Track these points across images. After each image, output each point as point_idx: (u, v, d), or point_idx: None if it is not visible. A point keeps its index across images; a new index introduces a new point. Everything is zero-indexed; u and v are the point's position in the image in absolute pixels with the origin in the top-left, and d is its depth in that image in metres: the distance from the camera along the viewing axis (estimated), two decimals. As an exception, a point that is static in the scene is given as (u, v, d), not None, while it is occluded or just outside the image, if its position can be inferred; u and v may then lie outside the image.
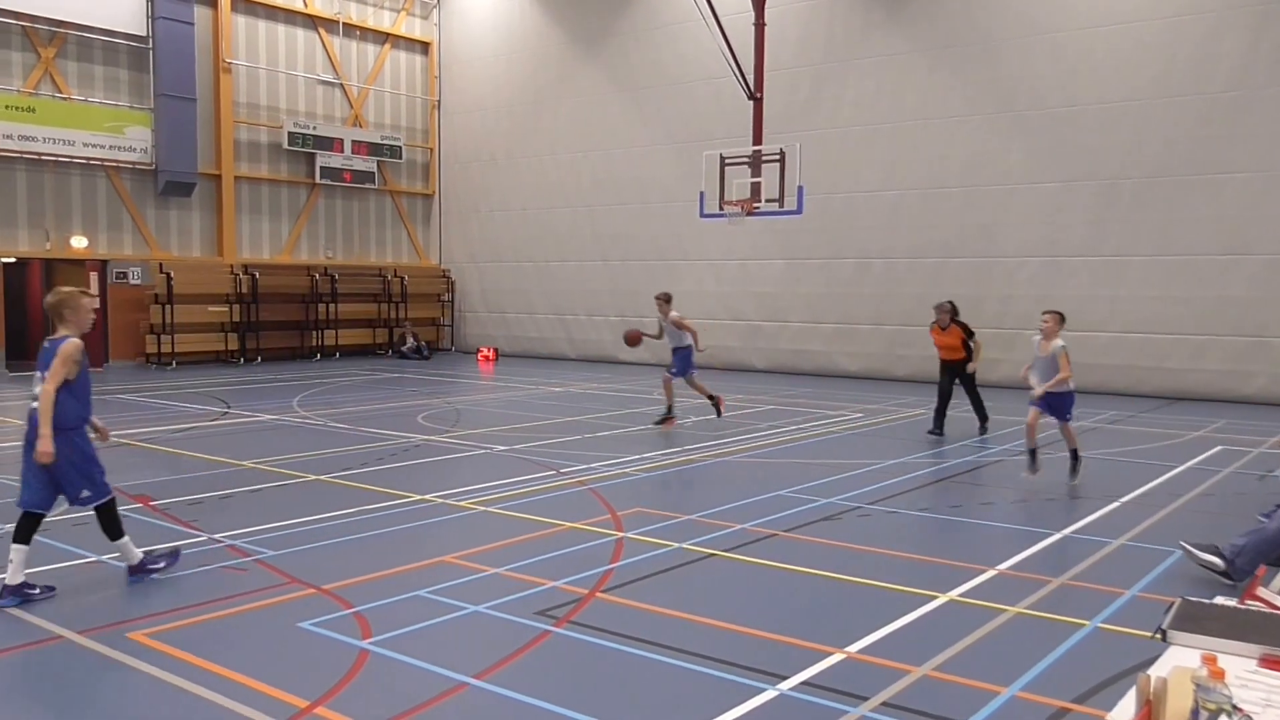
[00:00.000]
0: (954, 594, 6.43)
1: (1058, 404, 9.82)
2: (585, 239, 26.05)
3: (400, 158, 28.33)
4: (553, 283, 26.84)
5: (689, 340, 14.02)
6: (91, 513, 6.48)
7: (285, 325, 25.59)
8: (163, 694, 4.81)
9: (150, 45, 22.95)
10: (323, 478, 10.12)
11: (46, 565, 6.91)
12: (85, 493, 6.27)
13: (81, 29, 22.05)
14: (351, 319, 27.14)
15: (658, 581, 6.71)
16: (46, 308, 6.31)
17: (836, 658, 5.31)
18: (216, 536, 7.71)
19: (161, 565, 6.64)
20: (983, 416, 13.57)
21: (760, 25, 18.31)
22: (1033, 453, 9.92)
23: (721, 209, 17.83)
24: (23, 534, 6.18)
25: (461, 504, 8.98)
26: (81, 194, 22.52)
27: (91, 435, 6.47)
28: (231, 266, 24.69)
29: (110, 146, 22.49)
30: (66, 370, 6.10)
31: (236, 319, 24.64)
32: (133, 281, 23.22)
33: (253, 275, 24.90)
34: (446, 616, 5.94)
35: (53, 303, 6.29)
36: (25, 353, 23.90)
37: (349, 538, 7.79)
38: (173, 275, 23.24)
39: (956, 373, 13.37)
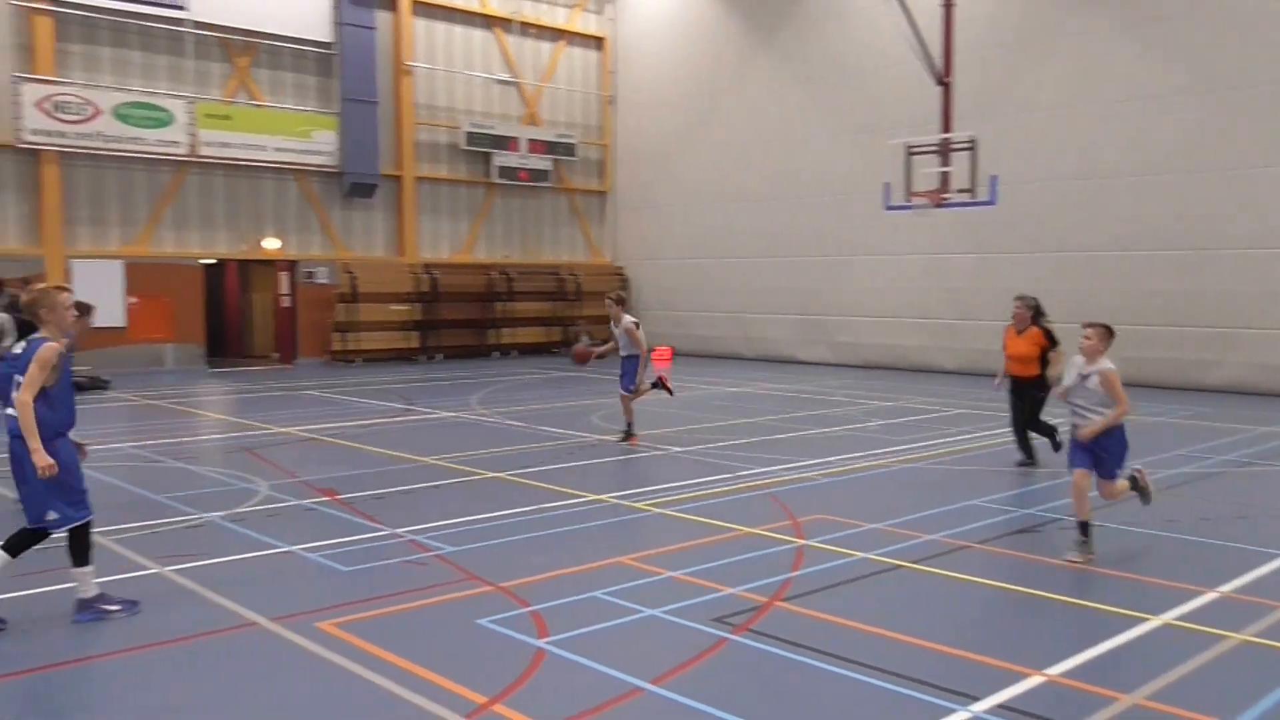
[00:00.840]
0: (1168, 617, 6.05)
1: (1106, 453, 7.49)
2: (763, 234, 25.92)
3: (574, 155, 28.94)
4: (729, 279, 26.83)
5: (638, 351, 12.68)
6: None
7: (463, 324, 26.57)
8: (349, 684, 5.07)
9: (336, 51, 24.28)
10: (500, 475, 10.45)
11: (238, 555, 7.42)
12: (51, 515, 5.84)
13: (273, 38, 23.53)
14: (527, 317, 27.91)
15: (840, 592, 6.60)
16: (22, 307, 5.98)
17: (1035, 680, 5.08)
18: (398, 531, 8.07)
19: (117, 608, 6.06)
20: (1047, 434, 11.04)
21: (949, 4, 17.75)
22: (1084, 526, 7.36)
23: (908, 201, 17.38)
24: (12, 547, 5.95)
25: (637, 505, 9.09)
26: (273, 197, 24.03)
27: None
28: (412, 266, 25.82)
29: (299, 150, 23.91)
30: (44, 377, 5.71)
31: (417, 317, 25.75)
32: (319, 281, 24.61)
33: (432, 274, 25.97)
34: (622, 619, 6.02)
35: (28, 302, 5.92)
36: (224, 349, 25.72)
37: (525, 536, 8.01)
38: (357, 275, 24.50)
39: (1028, 392, 10.90)
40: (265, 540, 7.79)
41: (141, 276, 21.88)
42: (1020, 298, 10.88)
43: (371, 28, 24.74)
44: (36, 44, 20.37)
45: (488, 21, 27.40)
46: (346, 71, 24.33)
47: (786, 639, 5.64)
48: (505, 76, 27.79)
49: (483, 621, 5.93)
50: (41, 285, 6.08)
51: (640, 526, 8.44)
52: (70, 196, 21.06)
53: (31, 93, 20.19)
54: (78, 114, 20.76)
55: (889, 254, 23.13)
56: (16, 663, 5.34)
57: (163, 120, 21.88)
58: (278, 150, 23.58)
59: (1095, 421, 7.37)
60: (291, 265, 24.40)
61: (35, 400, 5.70)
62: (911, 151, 17.48)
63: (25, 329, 18.74)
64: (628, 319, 12.88)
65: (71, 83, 20.80)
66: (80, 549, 5.98)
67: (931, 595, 6.60)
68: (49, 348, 5.74)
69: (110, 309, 21.15)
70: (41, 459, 5.65)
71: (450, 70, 26.73)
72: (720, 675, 5.21)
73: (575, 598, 6.39)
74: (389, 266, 25.48)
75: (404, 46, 25.61)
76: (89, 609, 5.95)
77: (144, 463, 11.26)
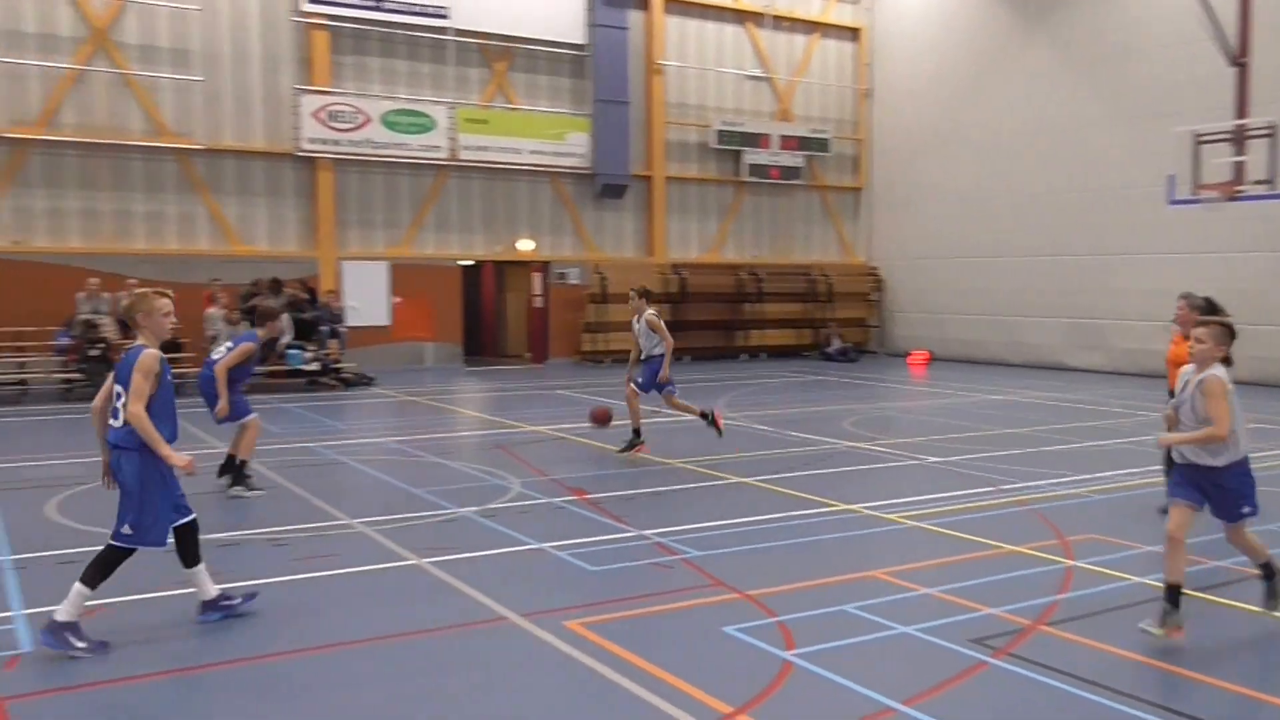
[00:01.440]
0: None
1: (1222, 491, 5.88)
2: (1028, 231, 24.72)
3: (828, 151, 28.66)
4: (992, 280, 25.76)
5: (663, 349, 12.06)
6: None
7: (712, 325, 26.87)
8: (595, 684, 5.25)
9: (588, 52, 25.15)
10: (748, 480, 10.50)
11: (491, 550, 7.82)
12: (125, 529, 5.84)
13: (529, 42, 24.66)
14: (777, 319, 27.88)
15: (1113, 618, 6.21)
16: (120, 312, 6.27)
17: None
18: (645, 533, 8.27)
19: (237, 600, 6.23)
20: None
21: (1254, -29, 16.34)
22: (1174, 592, 5.73)
23: (1195, 194, 16.12)
24: (188, 556, 6.12)
25: (890, 517, 8.90)
26: (527, 199, 25.18)
27: None
28: (661, 266, 26.36)
29: (553, 153, 24.94)
30: (150, 385, 5.73)
31: (665, 318, 26.15)
32: (571, 282, 25.57)
33: (681, 275, 26.42)
34: (873, 635, 5.92)
35: (126, 306, 5.97)
36: (480, 349, 27.16)
37: (773, 543, 8.02)
38: (607, 275, 25.28)
39: None
40: (516, 536, 8.18)
41: (405, 277, 23.48)
42: (1185, 296, 9.29)
43: (624, 28, 25.46)
44: (314, 57, 22.27)
45: (740, 17, 27.58)
46: (599, 72, 25.16)
47: (1050, 665, 5.37)
48: (757, 72, 27.89)
49: (729, 629, 5.98)
50: (141, 290, 6.13)
51: (894, 539, 8.26)
52: (342, 201, 22.89)
53: (309, 103, 22.10)
54: (349, 122, 22.54)
55: (1173, 252, 21.47)
56: (260, 649, 5.87)
57: (426, 126, 23.40)
58: (532, 153, 24.69)
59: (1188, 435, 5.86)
60: (544, 266, 25.48)
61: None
62: (1200, 140, 16.23)
63: (303, 329, 20.40)
64: (649, 311, 12.21)
65: (345, 93, 22.60)
66: (101, 570, 5.82)
67: (1216, 627, 6.10)
68: (149, 355, 5.73)
69: (375, 308, 22.85)
70: (176, 460, 5.69)
71: (701, 68, 27.09)
72: (977, 699, 5.03)
73: (824, 610, 6.33)
74: (638, 267, 26.13)
75: (655, 45, 26.19)
76: (57, 633, 5.61)
77: (404, 457, 12.07)
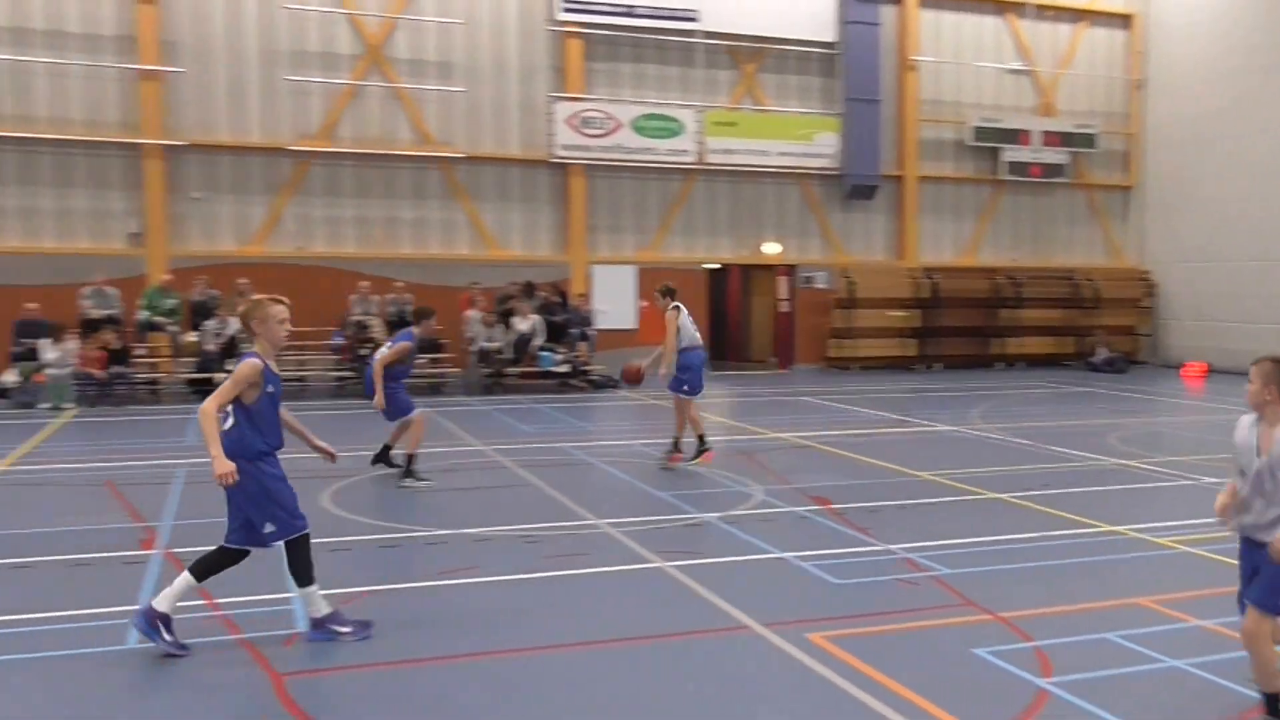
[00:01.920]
0: None
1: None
2: (1335, 229, 22.51)
3: (1094, 146, 27.12)
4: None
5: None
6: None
7: (965, 332, 25.97)
8: (838, 699, 5.21)
9: (839, 50, 24.88)
10: (1002, 496, 10.12)
11: (733, 556, 7.89)
12: (268, 527, 5.90)
13: (778, 42, 24.66)
14: (1036, 326, 26.62)
15: None
16: (239, 316, 6.11)
17: None
18: (892, 547, 8.12)
19: (348, 630, 6.02)
20: None
21: None
22: (1273, 701, 4.74)
23: None
24: (304, 569, 6.01)
25: (1159, 540, 8.36)
26: (774, 201, 25.19)
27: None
28: (912, 270, 25.74)
29: (801, 154, 24.84)
30: (237, 390, 5.76)
31: (916, 324, 25.62)
32: (818, 286, 25.36)
33: (933, 279, 25.70)
34: (1138, 667, 5.59)
35: (242, 312, 6.04)
36: (725, 353, 27.37)
37: (1029, 564, 7.70)
38: (855, 279, 24.93)
39: None
40: (759, 544, 8.22)
41: (652, 281, 23.95)
42: None
43: (875, 24, 25.04)
44: (568, 65, 23.14)
45: (999, 8, 26.53)
46: (849, 70, 24.84)
47: (1355, 720, 4.89)
48: (1018, 65, 26.75)
49: (979, 651, 5.80)
50: (257, 296, 6.18)
51: (1163, 565, 7.75)
52: (592, 206, 23.66)
53: (563, 110, 22.98)
54: (601, 128, 23.28)
55: None
56: (509, 643, 6.15)
57: (674, 130, 23.85)
58: (780, 154, 24.67)
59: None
60: (790, 270, 25.41)
61: (238, 417, 5.81)
62: None
63: (554, 332, 21.15)
64: (670, 310, 11.89)
65: (596, 99, 23.36)
66: (301, 565, 5.99)
67: None
68: (248, 364, 5.80)
69: (623, 312, 23.47)
70: (220, 465, 5.64)
71: (957, 62, 26.26)
72: (1264, 751, 4.65)
73: (1084, 637, 6.03)
74: (888, 271, 25.62)
75: (909, 41, 25.61)
76: (321, 628, 5.98)
77: (649, 460, 12.35)
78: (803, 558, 7.81)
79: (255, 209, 21.34)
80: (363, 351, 18.70)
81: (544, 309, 20.70)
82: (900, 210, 26.08)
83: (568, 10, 22.87)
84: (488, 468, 11.80)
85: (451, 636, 6.15)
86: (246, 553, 6.04)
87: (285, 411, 6.11)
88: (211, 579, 6.03)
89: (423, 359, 19.69)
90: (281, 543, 5.94)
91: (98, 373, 17.34)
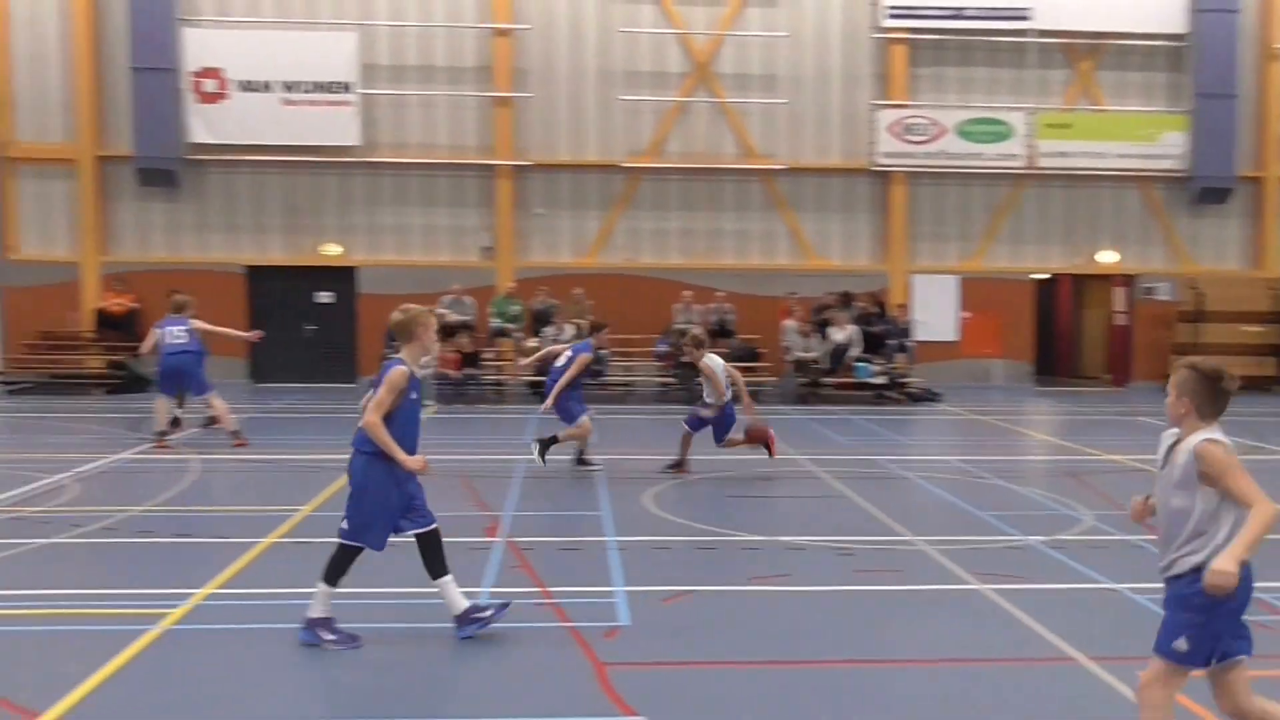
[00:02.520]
0: None
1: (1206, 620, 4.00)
2: None
3: None
4: None
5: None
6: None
7: (1335, 348, 23.07)
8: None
9: (1189, 43, 22.84)
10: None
11: (1058, 584, 7.42)
12: (344, 524, 6.02)
13: (1119, 37, 22.99)
14: None
15: None
16: (391, 326, 6.17)
17: None
18: (1240, 586, 7.36)
19: (333, 639, 5.98)
20: None
21: None
22: None
23: None
24: (432, 566, 6.15)
25: None
26: (1111, 207, 23.50)
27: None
28: (1270, 281, 23.18)
29: (1142, 155, 23.02)
30: (394, 398, 5.90)
31: (1276, 341, 23.03)
32: (1159, 297, 23.41)
33: (1296, 289, 23.03)
34: None
35: (400, 321, 6.10)
36: (1052, 368, 25.85)
37: None
38: (1203, 291, 22.78)
39: None
40: (1087, 573, 7.70)
41: (974, 291, 23.07)
42: None
43: (1234, 10, 22.77)
44: (892, 71, 22.69)
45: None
46: (1202, 64, 22.74)
47: None
48: None
49: (1345, 712, 5.13)
50: (416, 307, 6.23)
51: None
52: (913, 214, 23.07)
53: (885, 118, 22.56)
54: (924, 134, 22.66)
55: None
56: (818, 654, 6.07)
57: (1002, 134, 22.80)
58: (1119, 156, 23.00)
59: (1226, 551, 3.89)
60: (1128, 280, 23.62)
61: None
62: None
63: (871, 343, 20.77)
64: (706, 360, 11.89)
65: (921, 105, 22.76)
66: (334, 567, 6.05)
67: None
68: (398, 372, 5.92)
69: (943, 324, 22.70)
70: (411, 463, 5.87)
71: (1333, 48, 23.42)
72: None
73: None
74: (1243, 281, 23.22)
75: (1274, 28, 23.11)
76: (311, 628, 5.99)
77: (969, 477, 11.88)
78: (1137, 590, 7.23)
79: (590, 223, 22.50)
80: (685, 359, 19.25)
81: (861, 319, 20.41)
82: (1259, 214, 23.57)
83: (893, 16, 22.44)
84: (802, 478, 11.78)
85: (762, 642, 6.20)
86: (435, 534, 6.18)
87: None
88: (549, 576, 6.37)
89: (739, 367, 20.00)
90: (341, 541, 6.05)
91: (453, 374, 18.88)
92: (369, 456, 5.94)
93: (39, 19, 21.54)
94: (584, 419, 11.72)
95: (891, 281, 22.80)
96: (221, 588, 7.12)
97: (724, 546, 8.57)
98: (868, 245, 23.19)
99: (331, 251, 22.24)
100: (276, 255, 22.22)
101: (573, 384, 11.56)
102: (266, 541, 8.43)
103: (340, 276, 22.23)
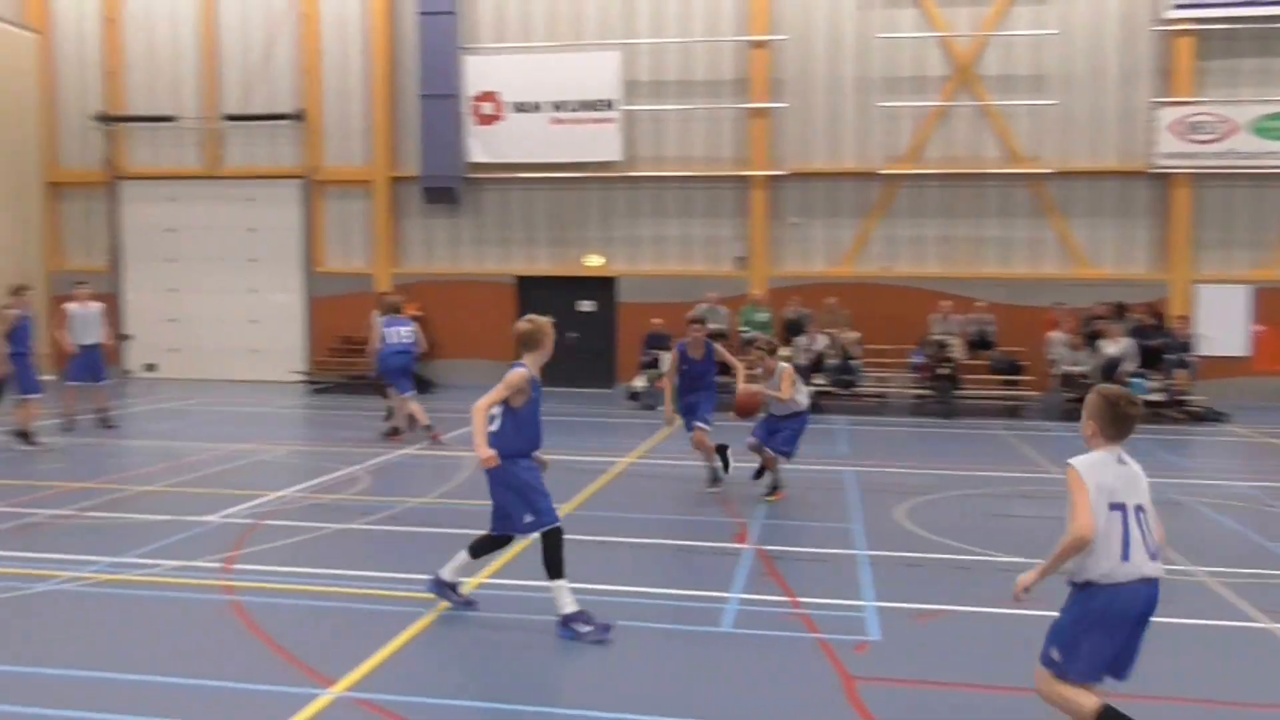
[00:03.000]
0: None
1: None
2: None
3: None
4: None
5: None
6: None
7: None
8: None
9: None
10: None
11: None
12: (528, 518, 6.47)
13: None
14: None
15: None
16: (519, 334, 6.68)
17: None
18: None
19: (588, 630, 6.31)
20: None
21: None
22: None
23: None
24: (553, 563, 6.47)
25: None
26: None
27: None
28: None
29: None
30: (507, 394, 6.44)
31: None
32: None
33: None
34: None
35: (528, 330, 6.65)
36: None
37: None
38: None
39: None
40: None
41: (1270, 302, 21.08)
42: None
43: None
44: (1176, 66, 21.08)
45: None
46: None
47: None
48: None
49: None
50: (540, 319, 6.73)
51: None
52: (1198, 219, 21.34)
53: (1167, 116, 21.00)
54: (1211, 133, 20.93)
55: None
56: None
57: (1305, 131, 20.76)
58: None
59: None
60: None
61: (505, 420, 6.47)
62: None
63: (1148, 357, 19.38)
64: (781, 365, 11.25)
65: (1208, 101, 21.04)
66: (551, 562, 6.45)
67: None
68: (517, 374, 6.46)
69: (1231, 337, 20.88)
70: (482, 453, 6.35)
71: None
72: None
73: None
74: None
75: None
76: (564, 626, 6.35)
77: (1258, 505, 10.92)
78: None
79: (845, 231, 22.22)
80: (942, 371, 18.67)
81: (1137, 332, 19.07)
82: None
83: (1179, 7, 20.88)
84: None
85: (1016, 667, 5.92)
86: (509, 539, 6.80)
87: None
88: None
89: (999, 381, 19.19)
90: (539, 534, 6.47)
91: (705, 380, 19.11)
92: (514, 460, 6.50)
93: (346, 57, 23.56)
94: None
95: (1172, 291, 21.18)
96: (490, 578, 7.56)
97: (980, 567, 8.27)
98: (1145, 253, 21.65)
99: (594, 262, 23.07)
100: (543, 266, 23.28)
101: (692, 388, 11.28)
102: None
103: (601, 286, 23.02)
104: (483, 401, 6.45)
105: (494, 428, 6.48)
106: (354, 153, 23.74)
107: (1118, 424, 4.52)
